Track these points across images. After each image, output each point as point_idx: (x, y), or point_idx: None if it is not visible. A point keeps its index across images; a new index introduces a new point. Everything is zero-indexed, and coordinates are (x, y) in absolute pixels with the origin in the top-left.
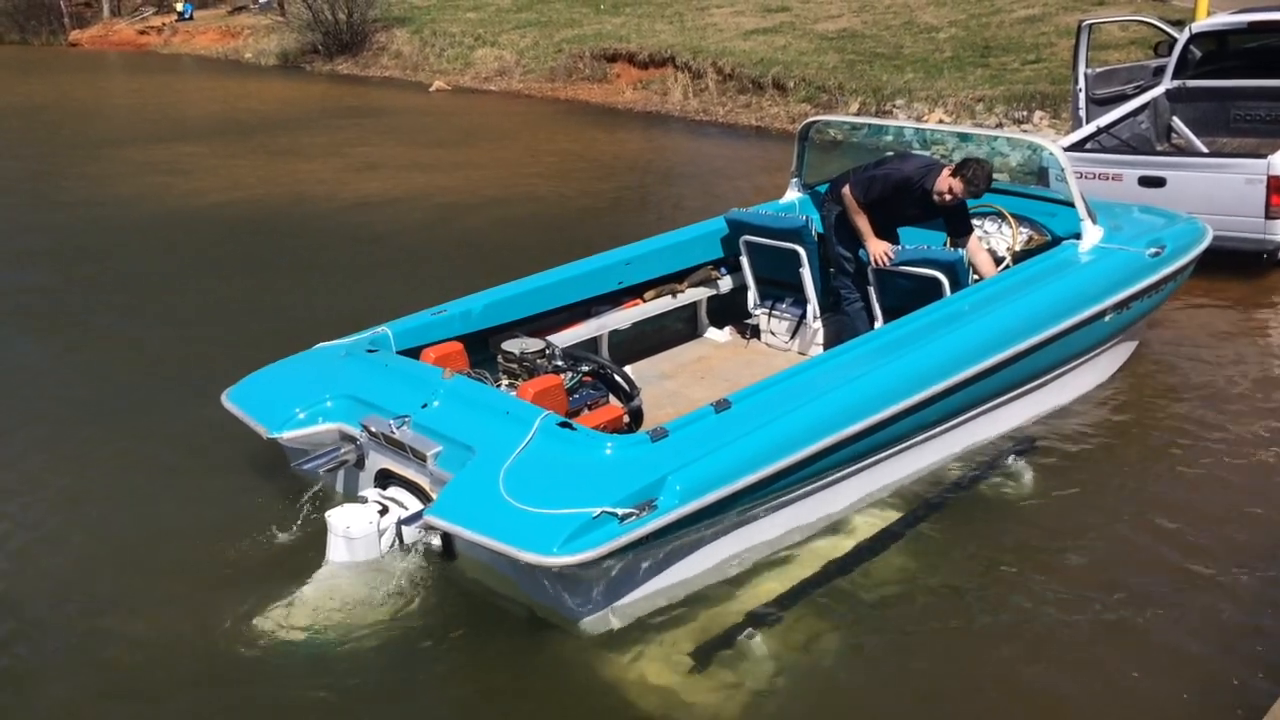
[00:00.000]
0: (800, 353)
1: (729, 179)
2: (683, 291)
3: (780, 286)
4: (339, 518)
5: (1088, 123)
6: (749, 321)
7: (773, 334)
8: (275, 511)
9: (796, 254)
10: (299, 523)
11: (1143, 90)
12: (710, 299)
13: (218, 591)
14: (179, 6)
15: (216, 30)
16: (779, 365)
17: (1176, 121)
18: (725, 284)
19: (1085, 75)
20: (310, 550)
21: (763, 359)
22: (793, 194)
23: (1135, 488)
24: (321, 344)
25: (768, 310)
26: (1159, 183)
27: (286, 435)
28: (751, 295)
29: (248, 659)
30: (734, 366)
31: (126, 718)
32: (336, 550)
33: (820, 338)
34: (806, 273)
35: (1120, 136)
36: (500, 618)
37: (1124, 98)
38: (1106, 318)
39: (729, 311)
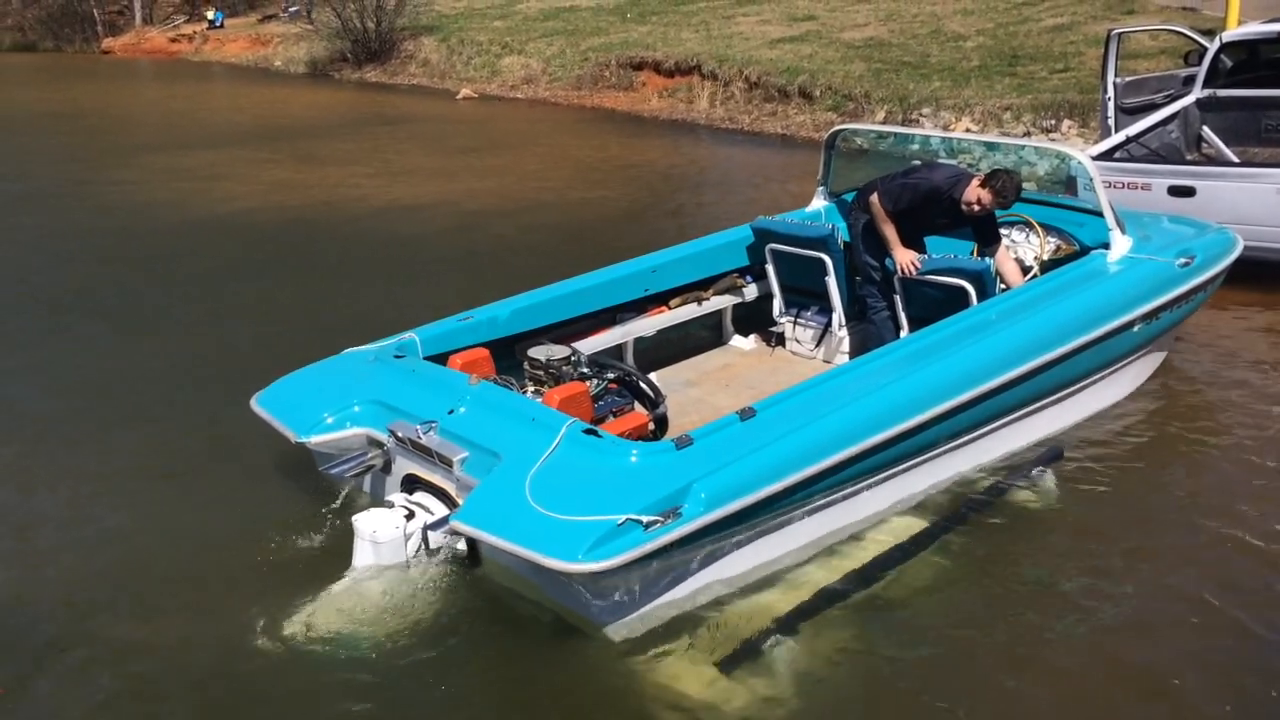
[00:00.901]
0: (825, 361)
1: (754, 187)
2: (708, 299)
3: (806, 295)
4: (365, 522)
5: (1116, 132)
6: (774, 329)
7: (798, 342)
8: (302, 515)
9: (822, 262)
10: (326, 527)
11: (1172, 99)
12: (735, 307)
13: (244, 594)
14: (210, 14)
15: (246, 38)
16: (804, 374)
17: (1207, 131)
18: (751, 292)
19: (1114, 84)
20: (337, 554)
21: (788, 367)
22: (819, 202)
23: (1163, 500)
24: (349, 349)
25: (793, 318)
26: (1189, 192)
27: (314, 440)
28: (777, 303)
29: (273, 662)
30: (759, 374)
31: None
32: (363, 554)
33: (845, 346)
34: (832, 281)
35: (1149, 146)
36: (525, 623)
37: (1153, 107)
38: (1135, 328)
39: (754, 319)
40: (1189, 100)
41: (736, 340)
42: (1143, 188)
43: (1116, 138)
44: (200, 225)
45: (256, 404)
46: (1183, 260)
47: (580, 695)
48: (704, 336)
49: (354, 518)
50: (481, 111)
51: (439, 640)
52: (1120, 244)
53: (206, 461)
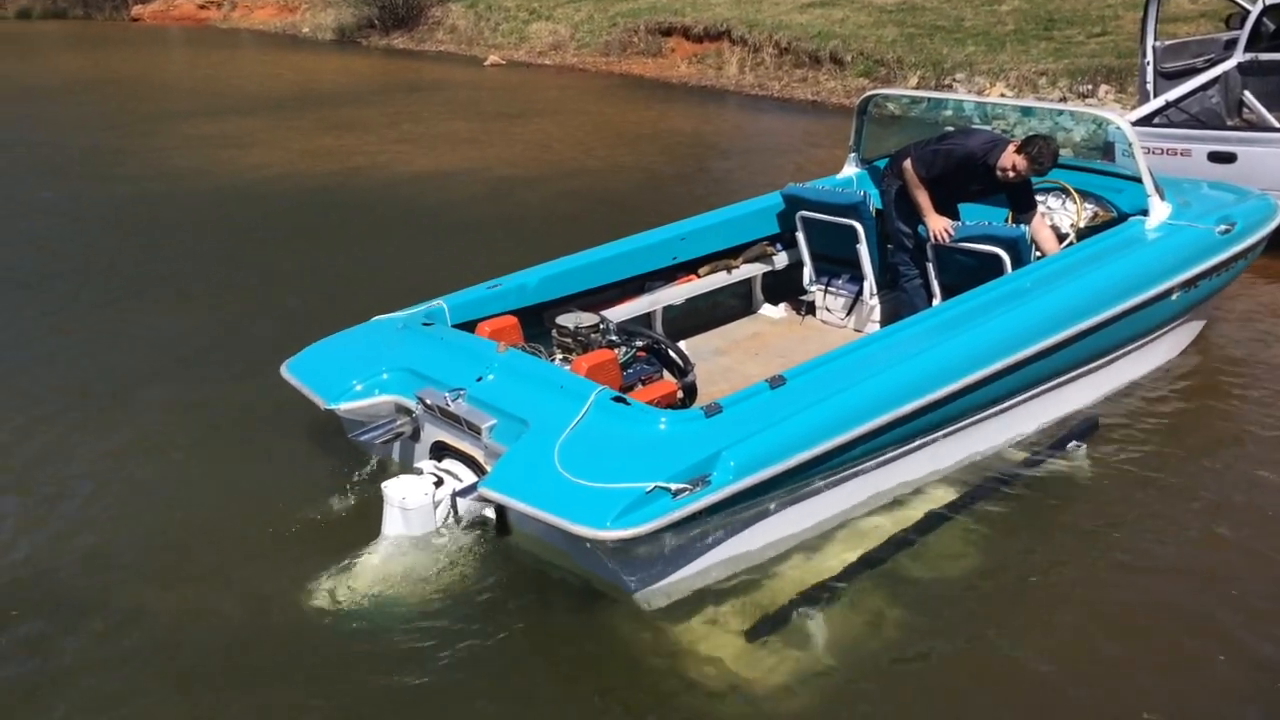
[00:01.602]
0: (856, 330)
1: (784, 153)
2: (737, 267)
3: (836, 263)
4: (395, 489)
5: (1155, 97)
6: (804, 298)
7: (828, 310)
8: (331, 482)
9: (854, 229)
10: (355, 493)
11: (1213, 64)
12: (765, 275)
13: (273, 560)
14: None
15: (274, 5)
16: (834, 342)
17: (1248, 95)
18: (781, 260)
19: (1153, 48)
20: (366, 521)
21: (818, 336)
22: (850, 169)
23: (1201, 470)
24: (378, 317)
25: (823, 286)
26: (1229, 158)
27: (344, 407)
28: (807, 271)
29: (301, 627)
30: (788, 343)
31: (180, 685)
32: (392, 521)
33: (877, 315)
34: (864, 249)
35: (1189, 111)
36: (553, 590)
37: (1193, 71)
38: (1173, 296)
39: (784, 288)
40: (1230, 64)
41: (766, 309)
42: (1182, 153)
43: (1156, 103)
44: (229, 193)
45: (286, 371)
46: (1223, 227)
47: (608, 662)
48: (733, 305)
49: (383, 484)
50: (509, 78)
51: (467, 607)
52: (1159, 210)
53: (237, 428)
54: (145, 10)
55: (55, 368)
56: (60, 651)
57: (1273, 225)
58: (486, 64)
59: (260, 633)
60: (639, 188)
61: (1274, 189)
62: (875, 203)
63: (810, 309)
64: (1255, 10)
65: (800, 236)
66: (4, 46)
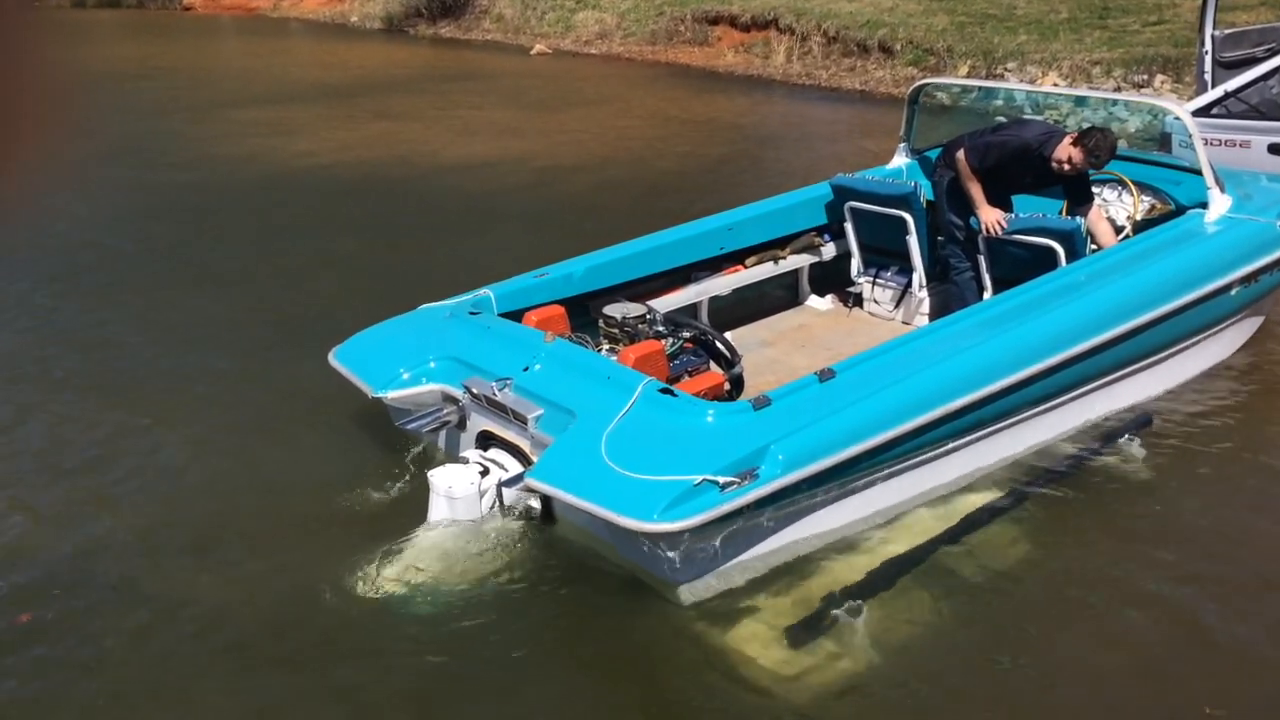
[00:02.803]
0: (904, 323)
1: (832, 143)
2: (785, 258)
3: (885, 254)
4: (441, 478)
5: (1213, 87)
6: (851, 290)
7: (876, 303)
8: (378, 470)
9: (903, 221)
10: (401, 482)
11: (1274, 53)
12: (812, 266)
13: (319, 547)
14: None
15: None
16: (882, 335)
17: None
18: (828, 251)
19: (1212, 37)
20: (412, 509)
21: (865, 328)
22: (900, 159)
23: (1256, 472)
24: (425, 305)
25: (871, 279)
26: None
27: (391, 395)
28: (855, 263)
29: (346, 614)
30: (835, 335)
31: (224, 666)
32: (438, 510)
33: (926, 308)
34: (913, 240)
35: (1249, 101)
36: (598, 581)
37: (1253, 61)
38: (1233, 291)
39: (831, 279)
40: None
41: (813, 300)
42: (1241, 145)
43: (1214, 93)
44: (277, 180)
45: (334, 359)
46: None
47: (651, 656)
48: (780, 296)
49: (429, 473)
50: (555, 67)
51: (511, 597)
52: (1219, 203)
53: (283, 415)
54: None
55: (102, 352)
56: (104, 632)
57: None
58: (533, 53)
59: (304, 617)
60: (685, 177)
61: None
62: (926, 194)
63: (858, 301)
64: None
65: (848, 227)
66: (59, 34)
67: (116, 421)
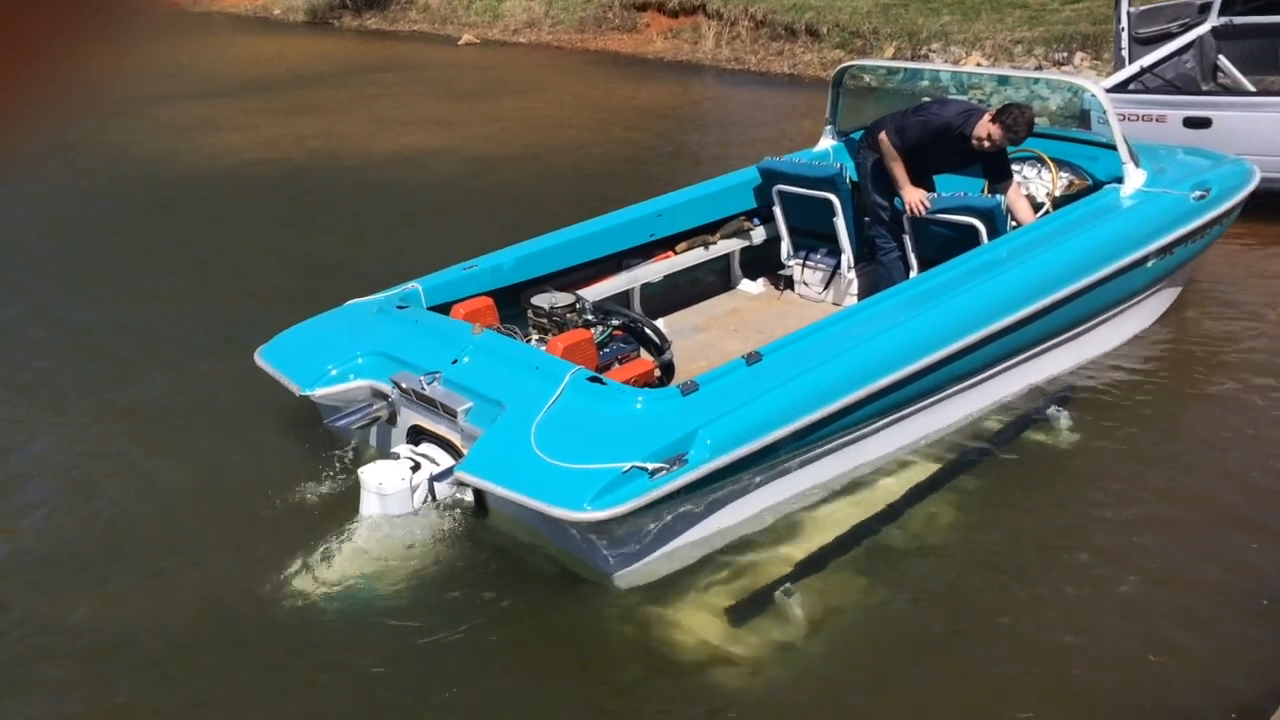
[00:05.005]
0: (835, 304)
1: (762, 127)
2: (715, 243)
3: (814, 236)
4: (372, 474)
5: (1130, 63)
6: (783, 273)
7: (807, 285)
8: (308, 468)
9: (830, 203)
10: (332, 479)
11: (1188, 28)
12: (743, 250)
13: (250, 547)
14: None
15: None
16: (813, 316)
17: (1223, 60)
18: (758, 235)
19: (1128, 13)
20: (343, 506)
21: (797, 310)
22: (827, 142)
23: (1179, 438)
24: (352, 301)
25: (802, 261)
26: (1205, 123)
27: (319, 392)
28: (785, 246)
29: (279, 614)
30: (768, 318)
31: (157, 673)
32: (369, 506)
33: (855, 288)
34: (841, 222)
35: (1164, 76)
36: (534, 573)
37: (1168, 36)
38: (1149, 263)
39: (762, 262)
40: (1204, 29)
41: (745, 284)
42: (1158, 120)
43: (1130, 69)
44: (199, 177)
45: (260, 357)
46: (1198, 193)
47: (590, 644)
48: (712, 281)
49: (360, 470)
50: (484, 57)
51: (446, 591)
52: (1134, 178)
53: (208, 417)
54: None
55: (15, 354)
56: (19, 648)
57: (1248, 190)
58: (460, 43)
59: (233, 622)
60: (615, 164)
61: (1249, 154)
62: (851, 175)
63: (789, 284)
64: None
65: (777, 211)
66: None
67: (30, 426)
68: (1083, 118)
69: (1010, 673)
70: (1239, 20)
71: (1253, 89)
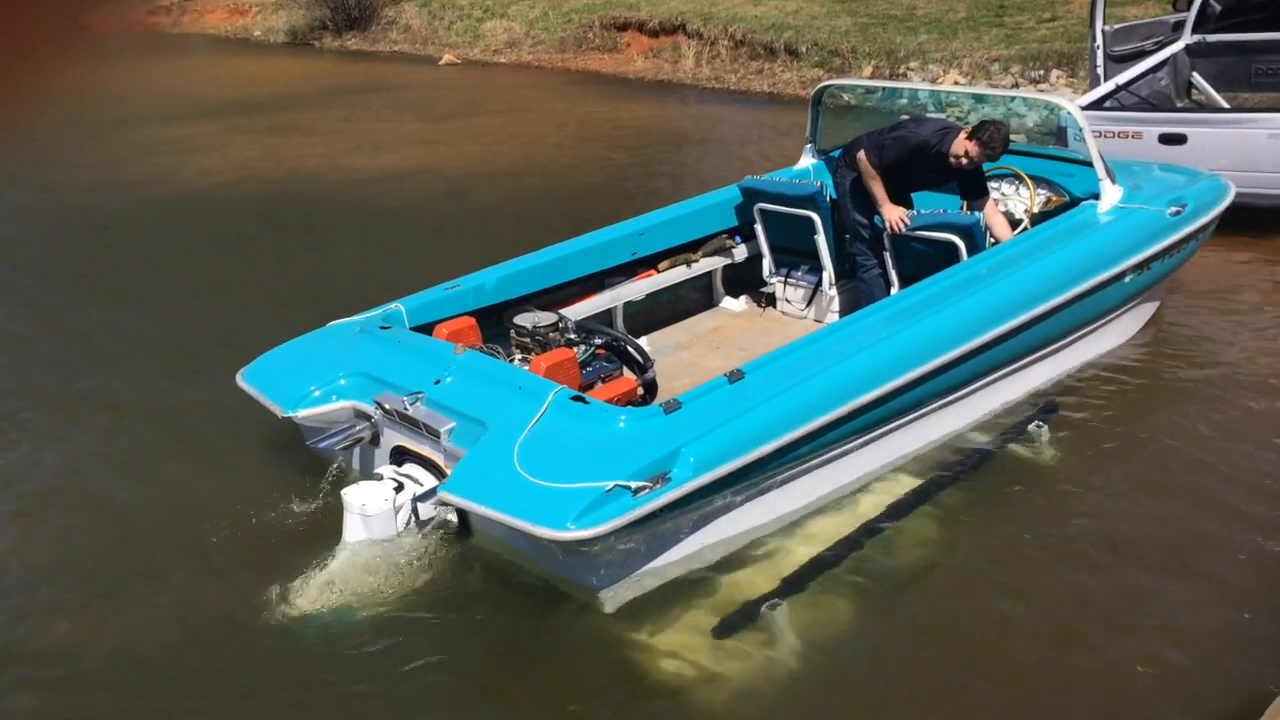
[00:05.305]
0: (817, 320)
1: (742, 146)
2: (697, 261)
3: (796, 254)
4: (355, 495)
5: (1106, 80)
6: (765, 290)
7: (789, 302)
8: (291, 490)
9: (811, 221)
10: (316, 501)
11: (1162, 46)
12: (725, 268)
13: (232, 570)
14: None
15: (225, 8)
16: (795, 334)
17: (1197, 77)
18: (740, 253)
19: (1103, 32)
20: (327, 528)
21: (779, 327)
22: (807, 160)
23: (1159, 451)
24: (335, 321)
25: (783, 278)
26: (1180, 140)
27: (301, 414)
28: (767, 263)
29: (264, 636)
30: (750, 336)
31: (137, 696)
32: (353, 528)
33: (836, 305)
34: (822, 240)
35: (1139, 94)
36: (519, 593)
37: (1143, 54)
38: (1126, 278)
39: (745, 280)
40: (1178, 46)
41: (727, 302)
42: (1134, 136)
43: (1106, 86)
44: (180, 200)
45: (242, 379)
46: (1174, 209)
47: (575, 664)
48: (694, 299)
49: (343, 491)
50: (465, 77)
51: (431, 612)
52: (1110, 194)
53: (192, 439)
54: (93, 17)
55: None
56: (11, 662)
57: (1223, 206)
58: (441, 63)
59: (220, 642)
60: (597, 184)
61: (1224, 170)
62: (832, 193)
63: (771, 301)
64: None
65: (759, 229)
66: None
67: (7, 449)
68: (1059, 135)
69: (995, 688)
70: (1212, 38)
71: (1226, 105)
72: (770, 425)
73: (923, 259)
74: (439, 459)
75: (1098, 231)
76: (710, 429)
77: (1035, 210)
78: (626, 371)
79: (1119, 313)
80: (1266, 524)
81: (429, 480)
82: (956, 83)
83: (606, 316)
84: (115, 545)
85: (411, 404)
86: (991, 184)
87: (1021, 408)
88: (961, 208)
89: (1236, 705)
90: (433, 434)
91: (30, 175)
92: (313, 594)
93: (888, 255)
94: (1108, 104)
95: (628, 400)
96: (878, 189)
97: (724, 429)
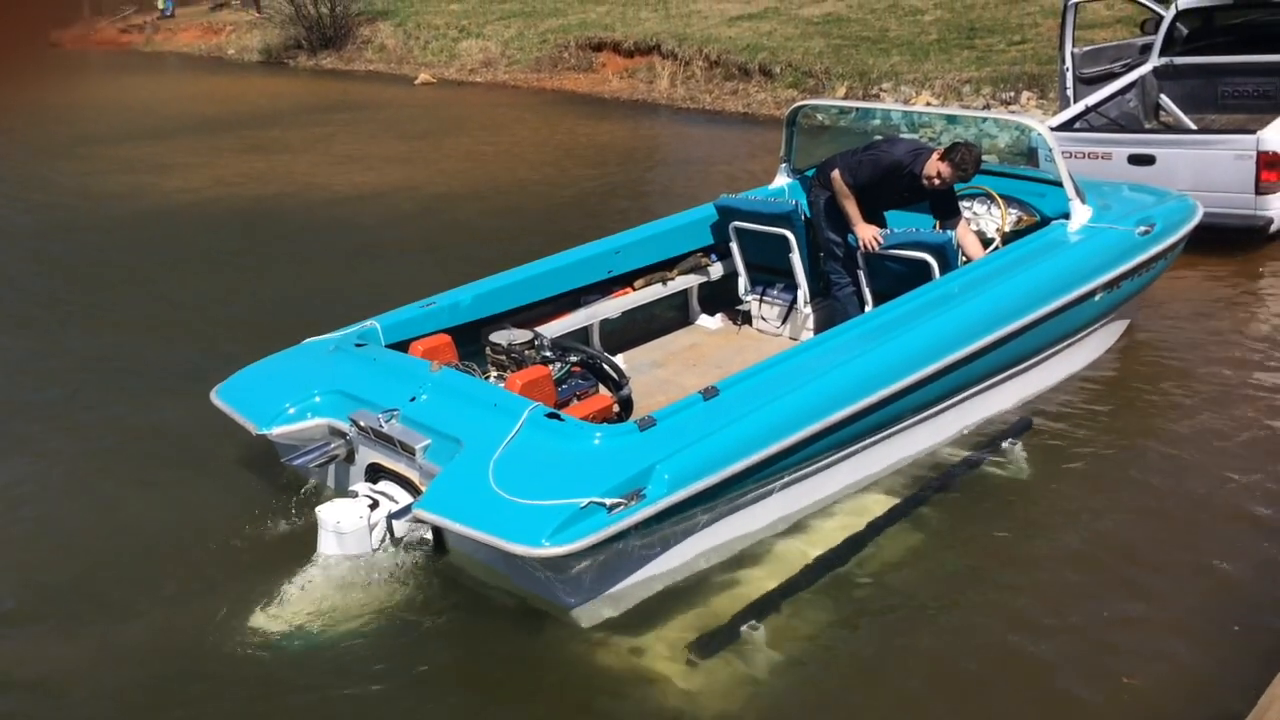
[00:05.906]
0: (792, 338)
1: (717, 165)
2: (673, 279)
3: (771, 272)
4: (329, 513)
5: (1075, 102)
6: (740, 308)
7: (764, 320)
8: (266, 507)
9: (786, 239)
10: (290, 518)
11: (1130, 68)
12: (701, 286)
13: (209, 588)
14: (160, 4)
15: (198, 27)
16: (770, 351)
17: (1165, 99)
18: (716, 271)
19: (1072, 54)
20: (301, 546)
21: (754, 345)
22: (782, 179)
23: (1132, 465)
24: (310, 339)
25: (759, 296)
26: (1148, 160)
27: (276, 431)
28: (742, 282)
29: (239, 654)
30: (726, 353)
31: (113, 715)
32: (327, 545)
33: (811, 323)
34: (796, 258)
35: (1108, 115)
36: (495, 610)
37: (1111, 76)
38: (1096, 297)
39: (720, 298)
40: (1146, 69)
41: (703, 319)
42: (1103, 157)
43: (1076, 108)
44: (153, 217)
45: (216, 397)
46: (1143, 228)
47: (551, 681)
48: (670, 317)
49: (318, 509)
50: (440, 96)
51: (406, 630)
52: (1080, 214)
53: (165, 457)
54: (65, 35)
55: None
56: None
57: (1191, 225)
58: (417, 82)
59: (194, 661)
60: (572, 202)
61: (1192, 190)
62: (806, 212)
63: (746, 319)
64: (1169, 15)
65: (734, 247)
66: None
67: None
68: (1030, 155)
69: (977, 705)
70: (1179, 60)
71: (1194, 127)
72: (745, 442)
73: (896, 277)
74: (414, 476)
75: (1068, 250)
76: (685, 446)
77: (1006, 229)
78: (602, 389)
79: (1090, 330)
80: (1237, 533)
81: (404, 497)
82: (929, 104)
83: (582, 334)
84: (91, 561)
85: (386, 421)
86: (964, 203)
87: (994, 425)
88: (934, 227)
89: (1225, 715)
90: (408, 451)
91: (2, 190)
92: (286, 612)
93: (861, 273)
94: (1077, 125)
95: (603, 417)
96: (851, 208)
97: (699, 446)
